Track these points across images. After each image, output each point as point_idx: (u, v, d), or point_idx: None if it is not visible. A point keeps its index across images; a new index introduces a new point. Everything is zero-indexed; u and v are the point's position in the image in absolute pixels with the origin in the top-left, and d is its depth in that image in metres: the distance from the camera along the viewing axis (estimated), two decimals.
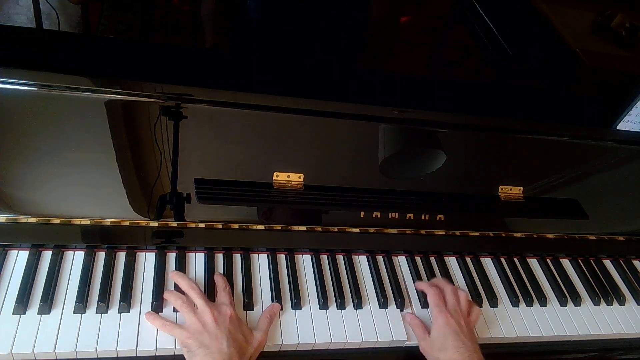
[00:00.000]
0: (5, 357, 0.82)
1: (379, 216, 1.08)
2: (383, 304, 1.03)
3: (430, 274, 1.12)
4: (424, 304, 1.06)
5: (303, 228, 1.07)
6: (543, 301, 1.13)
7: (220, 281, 0.97)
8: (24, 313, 0.87)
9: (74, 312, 0.89)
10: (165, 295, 0.94)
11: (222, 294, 0.94)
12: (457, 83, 1.25)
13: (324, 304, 1.00)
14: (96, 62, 0.98)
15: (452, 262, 1.17)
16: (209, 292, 0.96)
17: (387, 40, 1.31)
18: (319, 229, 1.08)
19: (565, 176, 1.20)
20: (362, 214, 1.08)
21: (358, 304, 1.02)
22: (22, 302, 0.87)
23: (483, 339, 1.04)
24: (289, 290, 1.01)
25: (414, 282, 1.10)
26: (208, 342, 0.84)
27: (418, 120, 1.08)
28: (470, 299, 1.04)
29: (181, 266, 0.99)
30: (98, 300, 0.91)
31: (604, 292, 1.19)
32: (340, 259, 1.10)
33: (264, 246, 1.07)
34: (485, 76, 1.37)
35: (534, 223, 1.21)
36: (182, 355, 0.89)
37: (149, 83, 0.92)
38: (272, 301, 0.99)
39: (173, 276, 0.96)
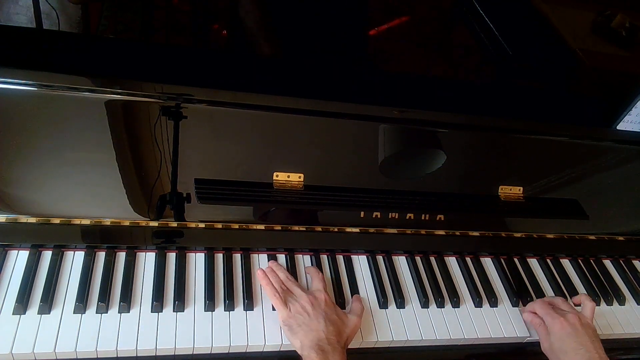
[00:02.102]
0: (5, 357, 0.82)
1: (379, 216, 1.08)
2: (383, 304, 1.04)
3: (431, 274, 1.12)
4: (424, 304, 1.06)
5: (303, 228, 1.07)
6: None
7: (312, 270, 1.03)
8: (24, 313, 0.87)
9: (74, 312, 0.89)
10: (263, 282, 0.98)
11: (315, 282, 1.01)
12: (457, 83, 1.25)
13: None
14: (96, 62, 0.98)
15: (452, 262, 1.17)
16: (210, 292, 0.96)
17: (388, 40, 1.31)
18: (319, 229, 1.08)
19: (565, 176, 1.20)
20: (362, 214, 1.08)
21: None
22: (22, 302, 0.87)
23: (483, 338, 1.04)
24: None
25: (413, 282, 1.10)
26: (307, 321, 0.91)
27: (418, 120, 1.08)
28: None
29: (181, 266, 0.99)
30: (98, 300, 0.91)
31: (604, 292, 1.19)
32: (340, 259, 1.10)
33: (264, 246, 1.07)
34: (485, 76, 1.37)
35: (534, 223, 1.21)
36: (182, 356, 0.90)
37: (149, 83, 0.92)
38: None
39: (262, 272, 0.99)
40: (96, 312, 0.90)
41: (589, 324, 1.01)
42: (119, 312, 0.91)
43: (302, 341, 0.89)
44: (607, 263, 1.28)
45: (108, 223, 0.97)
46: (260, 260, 1.05)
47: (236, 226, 1.04)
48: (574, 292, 1.17)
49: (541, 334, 1.02)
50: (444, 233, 1.15)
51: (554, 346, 0.98)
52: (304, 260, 1.08)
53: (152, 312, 0.92)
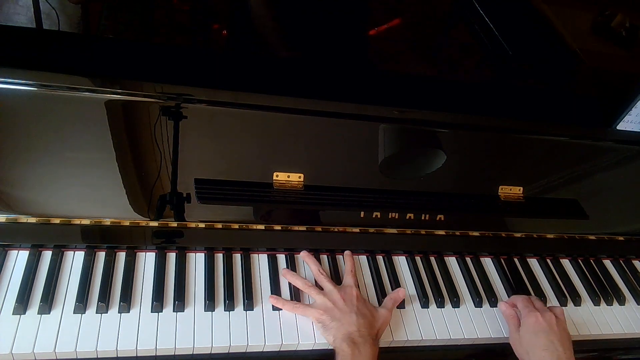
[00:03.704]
0: (5, 357, 0.82)
1: (379, 216, 1.08)
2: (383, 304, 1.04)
3: (431, 274, 1.12)
4: (424, 304, 1.06)
5: (303, 228, 1.07)
6: (543, 301, 1.13)
7: (348, 264, 1.05)
8: (24, 313, 0.87)
9: (74, 312, 0.89)
10: (292, 280, 1.01)
11: (348, 277, 1.03)
12: (457, 83, 1.25)
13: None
14: (96, 62, 0.98)
15: (452, 262, 1.17)
16: (210, 292, 0.96)
17: (388, 39, 1.31)
18: (319, 229, 1.08)
19: (565, 176, 1.20)
20: (362, 214, 1.08)
21: None
22: (22, 302, 0.87)
23: (483, 338, 1.04)
24: (289, 291, 1.01)
25: (413, 282, 1.10)
26: (339, 316, 0.93)
27: (418, 120, 1.08)
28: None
29: (181, 266, 0.99)
30: (98, 300, 0.91)
31: (604, 292, 1.19)
32: (340, 259, 1.10)
33: (264, 246, 1.07)
34: (485, 76, 1.37)
35: (534, 223, 1.21)
36: (182, 356, 0.90)
37: (149, 83, 0.92)
38: None
39: (286, 273, 1.03)
40: (96, 312, 0.90)
41: (565, 328, 1.00)
42: (119, 312, 0.91)
43: (335, 335, 0.92)
44: (607, 263, 1.28)
45: (108, 223, 0.97)
46: (260, 260, 1.05)
47: (236, 226, 1.04)
48: (574, 292, 1.17)
49: (512, 326, 1.02)
50: (444, 233, 1.15)
51: (524, 339, 0.98)
52: (304, 260, 1.08)
53: (152, 312, 0.92)
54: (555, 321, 0.99)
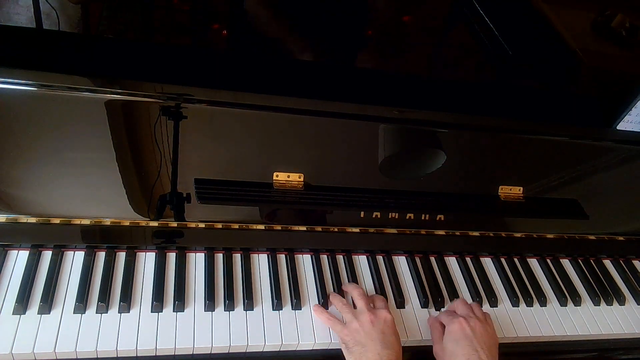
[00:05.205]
0: (5, 357, 0.82)
1: (379, 216, 1.08)
2: None
3: (430, 274, 1.12)
4: (424, 304, 1.06)
5: (303, 228, 1.07)
6: (543, 301, 1.13)
7: (375, 297, 1.02)
8: (24, 313, 0.87)
9: (74, 312, 0.89)
10: (330, 297, 1.01)
11: (378, 301, 1.00)
12: (457, 83, 1.25)
13: (324, 305, 1.00)
14: (96, 62, 0.98)
15: (452, 262, 1.17)
16: (210, 292, 0.96)
17: (388, 39, 1.31)
18: (319, 229, 1.08)
19: (565, 176, 1.20)
20: (362, 214, 1.08)
21: None
22: (22, 302, 0.88)
23: None
24: (289, 291, 1.01)
25: (413, 283, 1.10)
26: (364, 340, 0.89)
27: (418, 120, 1.08)
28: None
29: (181, 266, 0.99)
30: (98, 300, 0.91)
31: (604, 292, 1.19)
32: (340, 259, 1.10)
33: (264, 246, 1.07)
34: (485, 76, 1.37)
35: (534, 223, 1.21)
36: (182, 356, 0.90)
37: (149, 83, 0.92)
38: (272, 301, 0.99)
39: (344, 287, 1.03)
40: (96, 312, 0.90)
41: (491, 333, 0.95)
42: (119, 312, 0.91)
43: None
44: (607, 263, 1.28)
45: (108, 223, 0.98)
46: (260, 260, 1.05)
47: (236, 226, 1.04)
48: (574, 292, 1.17)
49: (434, 337, 0.97)
50: (443, 233, 1.15)
51: (447, 349, 0.92)
52: (304, 260, 1.08)
53: (152, 312, 0.92)
54: (480, 326, 0.93)
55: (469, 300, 1.09)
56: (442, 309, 1.06)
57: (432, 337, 0.98)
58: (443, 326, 0.98)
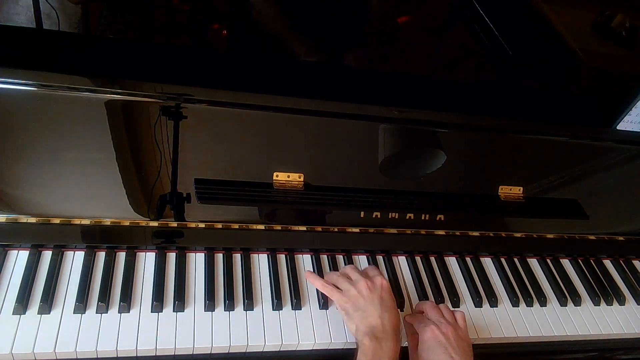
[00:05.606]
0: (5, 357, 0.82)
1: (379, 216, 1.08)
2: None
3: (430, 274, 1.12)
4: None
5: (303, 228, 1.07)
6: (543, 301, 1.13)
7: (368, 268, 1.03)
8: (24, 313, 0.87)
9: (74, 312, 0.89)
10: (326, 276, 1.01)
11: (371, 269, 1.01)
12: (457, 83, 1.25)
13: (324, 304, 1.00)
14: (96, 62, 0.98)
15: (452, 262, 1.17)
16: (210, 292, 0.96)
17: (388, 39, 1.31)
18: (319, 229, 1.08)
19: (565, 176, 1.20)
20: (362, 214, 1.08)
21: None
22: (22, 302, 0.88)
23: (483, 338, 1.04)
24: (289, 291, 1.01)
25: (413, 283, 1.10)
26: (364, 305, 0.91)
27: (418, 120, 1.08)
28: (449, 307, 1.02)
29: (181, 266, 0.99)
30: (98, 300, 0.91)
31: (604, 292, 1.19)
32: (340, 259, 1.10)
33: (264, 246, 1.07)
34: (485, 76, 1.37)
35: (534, 223, 1.21)
36: (182, 356, 0.90)
37: (149, 83, 0.92)
38: (272, 301, 0.99)
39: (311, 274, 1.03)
40: (96, 312, 0.90)
41: (464, 338, 0.93)
42: (119, 312, 0.91)
43: (358, 325, 0.90)
44: (607, 263, 1.28)
45: (108, 223, 0.98)
46: (260, 260, 1.05)
47: (236, 226, 1.04)
48: (574, 292, 1.17)
49: (411, 345, 0.95)
50: (444, 233, 1.15)
51: (422, 357, 0.90)
52: (304, 260, 1.08)
53: (152, 312, 0.92)
54: (452, 331, 0.91)
55: (470, 300, 1.09)
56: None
57: (409, 345, 0.96)
58: (416, 336, 0.95)
